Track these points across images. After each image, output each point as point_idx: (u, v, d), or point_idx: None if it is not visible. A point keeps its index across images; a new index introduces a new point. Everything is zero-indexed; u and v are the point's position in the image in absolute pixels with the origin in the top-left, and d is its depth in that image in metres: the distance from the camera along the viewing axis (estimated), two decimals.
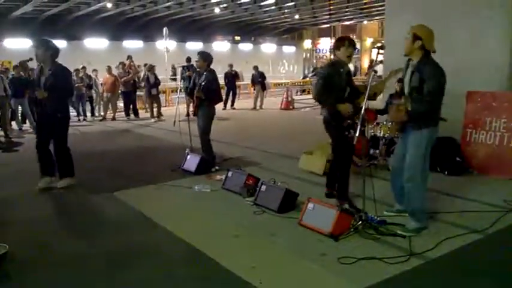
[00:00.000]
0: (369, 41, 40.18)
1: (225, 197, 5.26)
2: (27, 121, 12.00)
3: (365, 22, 37.27)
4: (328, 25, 36.87)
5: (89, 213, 4.97)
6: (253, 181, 5.27)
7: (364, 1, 25.45)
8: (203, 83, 6.32)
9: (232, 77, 16.03)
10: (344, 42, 4.65)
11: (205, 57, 6.48)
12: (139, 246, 3.92)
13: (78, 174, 5.95)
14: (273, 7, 28.15)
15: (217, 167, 6.48)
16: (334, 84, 4.51)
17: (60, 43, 27.27)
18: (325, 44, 40.19)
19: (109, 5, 22.94)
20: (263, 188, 4.87)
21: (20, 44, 25.95)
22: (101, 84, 14.14)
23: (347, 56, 4.65)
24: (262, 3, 26.63)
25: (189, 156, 6.55)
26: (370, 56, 36.21)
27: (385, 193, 4.74)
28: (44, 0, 20.88)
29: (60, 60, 5.65)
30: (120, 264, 3.60)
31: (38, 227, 4.45)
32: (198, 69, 6.63)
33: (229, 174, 5.55)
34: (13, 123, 11.68)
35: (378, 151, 6.50)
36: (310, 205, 4.19)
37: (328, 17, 31.82)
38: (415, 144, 4.01)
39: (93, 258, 3.69)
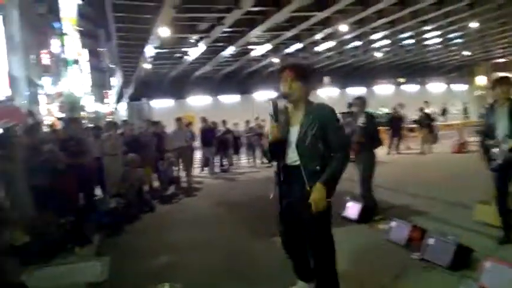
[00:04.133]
0: None
1: (388, 249, 4.99)
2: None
3: None
4: (504, 59, 33.26)
5: (254, 258, 5.19)
6: (419, 233, 4.88)
7: None
8: (361, 126, 6.28)
9: (397, 120, 15.49)
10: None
11: (362, 102, 6.56)
12: None
13: (243, 218, 6.21)
14: (439, 46, 26.71)
15: (380, 216, 6.21)
16: None
17: (234, 97, 30.74)
18: None
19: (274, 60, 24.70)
20: (431, 241, 4.46)
21: (200, 101, 29.81)
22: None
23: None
24: (426, 43, 25.50)
25: (349, 204, 6.42)
26: None
27: None
28: (220, 60, 23.66)
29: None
30: None
31: (208, 271, 4.81)
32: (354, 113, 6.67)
33: (393, 224, 5.26)
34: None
35: None
36: (488, 264, 3.67)
37: (502, 50, 28.79)
38: None
39: None
